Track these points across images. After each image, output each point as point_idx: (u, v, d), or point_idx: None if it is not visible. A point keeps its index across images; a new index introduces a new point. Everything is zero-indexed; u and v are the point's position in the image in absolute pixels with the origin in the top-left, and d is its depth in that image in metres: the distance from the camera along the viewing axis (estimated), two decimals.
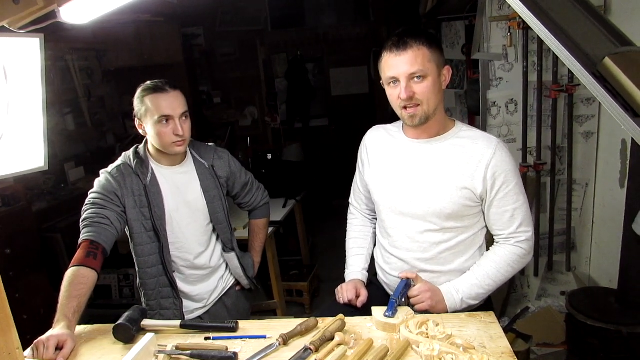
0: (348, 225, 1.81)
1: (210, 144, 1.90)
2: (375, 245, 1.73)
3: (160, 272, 1.70)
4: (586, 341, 1.94)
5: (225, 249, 1.85)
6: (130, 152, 1.71)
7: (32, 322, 2.60)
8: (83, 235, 1.53)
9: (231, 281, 1.92)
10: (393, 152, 1.55)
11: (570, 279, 2.65)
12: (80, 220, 1.57)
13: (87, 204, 1.60)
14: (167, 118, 1.60)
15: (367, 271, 1.71)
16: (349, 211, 1.83)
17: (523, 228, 1.47)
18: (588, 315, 1.93)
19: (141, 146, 1.72)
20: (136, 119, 1.67)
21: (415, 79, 1.37)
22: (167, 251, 1.69)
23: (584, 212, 2.57)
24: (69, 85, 3.73)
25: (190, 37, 4.93)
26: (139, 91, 1.64)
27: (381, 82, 1.48)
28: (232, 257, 1.86)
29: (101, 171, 1.67)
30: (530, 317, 2.54)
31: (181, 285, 1.75)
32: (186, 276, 1.77)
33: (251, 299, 2.05)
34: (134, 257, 1.71)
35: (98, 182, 1.64)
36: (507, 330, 2.35)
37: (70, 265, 1.46)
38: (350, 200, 1.81)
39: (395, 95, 1.41)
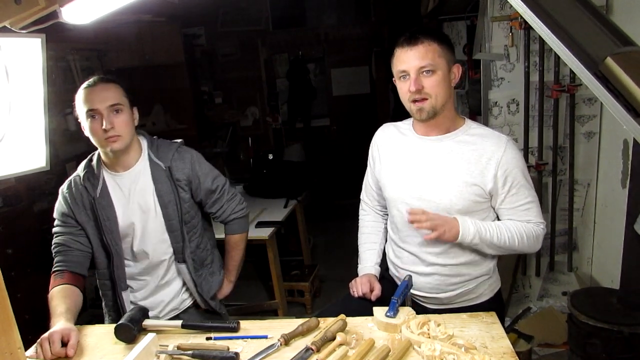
0: (360, 221, 1.82)
1: (176, 140, 1.75)
2: (386, 240, 1.75)
3: (108, 287, 1.69)
4: (588, 341, 1.93)
5: (177, 258, 1.69)
6: (84, 161, 1.64)
7: (33, 322, 2.60)
8: (54, 266, 1.60)
9: (190, 300, 1.79)
10: (403, 149, 1.57)
11: (572, 279, 2.64)
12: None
13: (53, 228, 1.63)
14: (95, 112, 1.50)
15: (379, 266, 1.72)
16: (360, 207, 1.84)
17: (538, 219, 1.50)
18: (590, 315, 1.92)
19: (96, 154, 1.64)
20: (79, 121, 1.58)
21: (425, 72, 1.40)
22: (119, 265, 1.64)
23: (585, 212, 2.56)
24: (70, 85, 3.73)
25: (192, 37, 4.93)
26: None
27: (393, 79, 1.50)
28: (183, 268, 1.70)
29: (60, 188, 1.65)
30: (531, 317, 2.54)
31: (134, 295, 1.72)
32: (141, 285, 1.72)
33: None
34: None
35: (56, 204, 1.65)
36: (508, 330, 2.34)
37: (50, 289, 1.51)
38: (361, 197, 1.83)
39: (405, 88, 1.44)
